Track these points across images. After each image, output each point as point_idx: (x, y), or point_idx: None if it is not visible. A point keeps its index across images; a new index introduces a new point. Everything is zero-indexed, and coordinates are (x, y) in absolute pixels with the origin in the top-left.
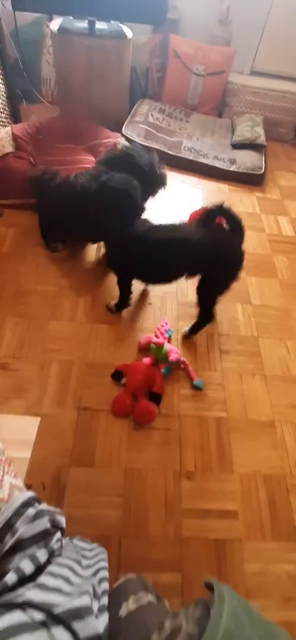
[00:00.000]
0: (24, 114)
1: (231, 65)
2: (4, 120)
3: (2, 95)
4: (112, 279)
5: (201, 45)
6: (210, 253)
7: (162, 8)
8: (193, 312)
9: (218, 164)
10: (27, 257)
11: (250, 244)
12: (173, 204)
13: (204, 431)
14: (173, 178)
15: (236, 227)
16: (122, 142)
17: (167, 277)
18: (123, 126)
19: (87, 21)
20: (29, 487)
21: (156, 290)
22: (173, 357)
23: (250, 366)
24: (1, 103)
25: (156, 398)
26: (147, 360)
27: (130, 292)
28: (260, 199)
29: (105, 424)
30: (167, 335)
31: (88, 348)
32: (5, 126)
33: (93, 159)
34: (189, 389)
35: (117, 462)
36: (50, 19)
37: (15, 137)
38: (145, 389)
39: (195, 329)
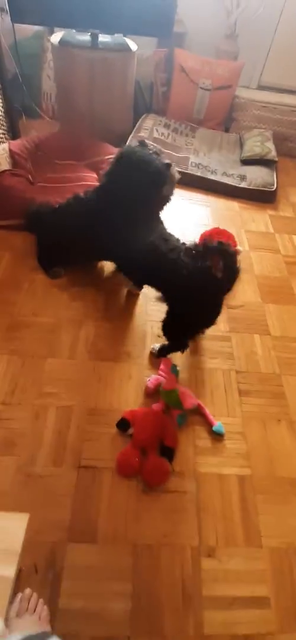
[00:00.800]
0: (23, 129)
1: (238, 79)
2: (1, 136)
3: None
4: (117, 309)
5: (207, 60)
6: (185, 285)
7: (168, 20)
8: (205, 342)
9: (227, 180)
10: (23, 285)
11: (265, 266)
12: (182, 222)
13: (225, 493)
14: (181, 196)
15: (230, 274)
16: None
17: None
18: (128, 141)
19: (89, 34)
20: (19, 571)
21: None
22: (189, 403)
23: (273, 410)
24: None
25: (168, 453)
26: (157, 405)
27: None
28: (273, 217)
29: (110, 487)
30: (173, 374)
31: (89, 390)
32: (3, 142)
33: (95, 175)
34: (206, 439)
35: (123, 537)
36: (51, 32)
37: (12, 154)
38: (155, 442)
39: (163, 351)
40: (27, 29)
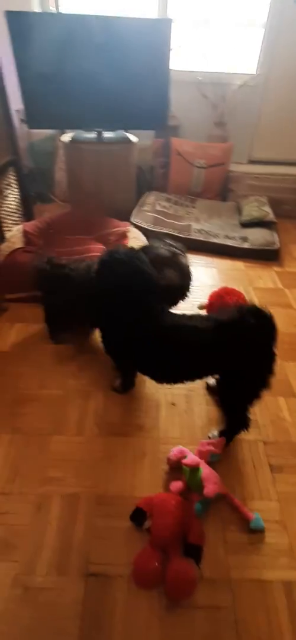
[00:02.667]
0: (37, 213)
1: (230, 157)
2: (17, 219)
3: (15, 198)
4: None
5: (200, 144)
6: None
7: (163, 116)
8: None
9: (230, 242)
10: (30, 356)
11: (280, 323)
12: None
13: (270, 606)
14: None
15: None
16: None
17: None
18: (132, 215)
19: (95, 132)
20: None
21: (180, 388)
22: (209, 490)
23: None
24: (15, 205)
25: (195, 552)
26: (176, 486)
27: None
28: (279, 273)
29: (125, 603)
30: (209, 459)
31: (99, 473)
32: (18, 224)
33: (103, 247)
34: (237, 532)
35: None
36: (62, 133)
37: (25, 233)
38: (178, 539)
39: (226, 436)
40: (42, 133)
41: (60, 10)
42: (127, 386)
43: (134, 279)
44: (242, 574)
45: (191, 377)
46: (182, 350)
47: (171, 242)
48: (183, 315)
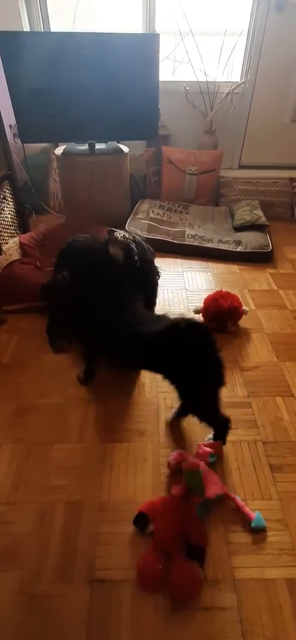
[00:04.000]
0: (33, 224)
1: (220, 163)
2: (13, 231)
3: (11, 211)
4: (126, 382)
5: (191, 152)
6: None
7: (153, 127)
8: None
9: (224, 246)
10: (30, 365)
11: (275, 324)
12: (184, 289)
13: (274, 605)
14: (181, 265)
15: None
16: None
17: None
18: (127, 223)
19: (87, 144)
20: None
21: None
22: (211, 491)
23: None
24: (10, 218)
25: (198, 553)
26: (177, 488)
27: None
28: (274, 275)
29: (131, 607)
30: (208, 460)
31: (101, 480)
32: (14, 237)
33: None
34: (240, 532)
35: None
36: (56, 146)
37: (22, 245)
38: (180, 541)
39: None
40: (36, 147)
41: (49, 29)
42: (88, 376)
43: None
44: (245, 573)
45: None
46: (130, 346)
47: (134, 234)
48: (146, 314)
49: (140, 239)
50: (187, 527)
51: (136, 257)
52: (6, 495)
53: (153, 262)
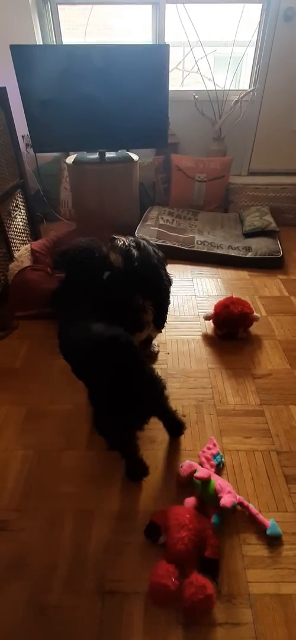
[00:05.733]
0: (44, 231)
1: (229, 170)
2: (25, 239)
3: (23, 219)
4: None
5: (200, 159)
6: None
7: (162, 136)
8: (235, 419)
9: (233, 253)
10: (41, 371)
11: (287, 330)
12: (195, 296)
13: (291, 620)
14: (191, 271)
15: None
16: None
17: None
18: (136, 230)
19: (97, 153)
20: None
21: (190, 398)
22: (226, 501)
23: None
24: (22, 225)
25: (211, 567)
26: (190, 501)
27: None
28: (284, 281)
29: (142, 619)
30: (214, 462)
31: (111, 488)
32: (26, 244)
33: None
34: (255, 544)
35: None
36: (67, 156)
37: (33, 252)
38: (194, 554)
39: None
40: (48, 156)
41: (61, 42)
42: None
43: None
44: (261, 588)
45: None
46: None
47: (141, 240)
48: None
49: (146, 244)
50: (200, 540)
51: (136, 263)
52: (17, 503)
53: (159, 268)
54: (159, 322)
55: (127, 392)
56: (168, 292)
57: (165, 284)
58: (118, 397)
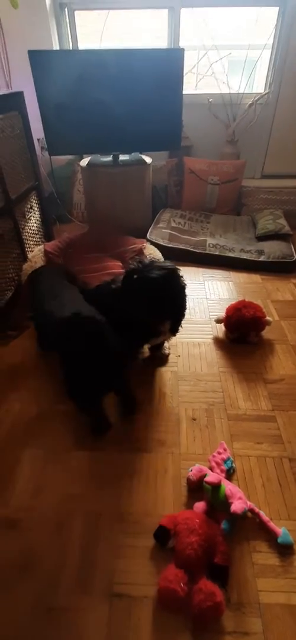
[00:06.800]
0: (57, 233)
1: (242, 173)
2: (38, 240)
3: (37, 220)
4: (146, 390)
5: (213, 162)
6: None
7: (176, 137)
8: (246, 424)
9: (246, 256)
10: (51, 371)
11: None
12: (206, 299)
13: None
14: (202, 274)
15: None
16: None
17: None
18: (148, 232)
19: (111, 156)
20: None
21: (200, 402)
22: (237, 507)
23: None
24: (36, 227)
25: (220, 574)
26: (200, 505)
27: None
28: None
29: (150, 623)
30: (225, 467)
31: (120, 489)
32: (39, 245)
33: (119, 264)
34: (265, 552)
35: None
36: (81, 158)
37: (46, 253)
38: (203, 559)
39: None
40: (62, 159)
41: (77, 48)
42: None
43: None
44: (271, 598)
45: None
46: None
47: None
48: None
49: (149, 261)
50: (210, 546)
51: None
52: (26, 503)
53: (184, 290)
54: (174, 329)
55: (96, 365)
56: (185, 304)
57: (185, 301)
58: (89, 368)
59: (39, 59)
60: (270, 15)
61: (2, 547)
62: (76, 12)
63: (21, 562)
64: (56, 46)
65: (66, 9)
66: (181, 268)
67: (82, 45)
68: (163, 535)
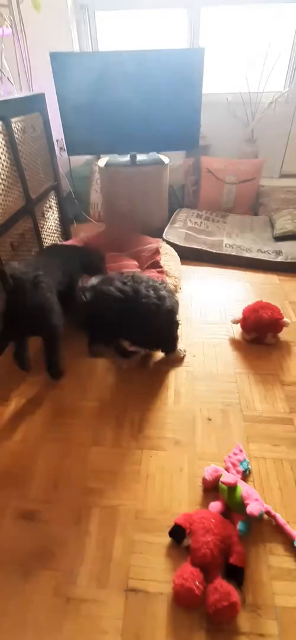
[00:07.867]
0: (74, 232)
1: (260, 172)
2: (56, 239)
3: (55, 220)
4: (162, 390)
5: (231, 160)
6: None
7: (194, 137)
8: (262, 426)
9: (263, 256)
10: (68, 369)
11: None
12: (222, 300)
13: None
14: (219, 274)
15: None
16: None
17: None
18: (164, 232)
19: (129, 156)
20: None
21: (216, 402)
22: (253, 509)
23: None
24: (54, 226)
25: (236, 574)
26: (216, 505)
27: None
28: None
29: (165, 620)
30: (241, 469)
31: (137, 486)
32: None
33: (136, 263)
34: (282, 556)
35: None
36: (98, 158)
37: None
38: (219, 559)
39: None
40: (80, 159)
41: (97, 49)
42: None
43: None
44: (288, 601)
45: None
46: None
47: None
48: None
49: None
50: (226, 546)
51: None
52: (45, 494)
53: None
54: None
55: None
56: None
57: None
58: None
59: (59, 61)
60: (291, 11)
61: (22, 538)
62: (96, 13)
63: (41, 552)
64: (76, 47)
65: (87, 10)
66: (197, 267)
67: (101, 46)
68: (178, 533)
